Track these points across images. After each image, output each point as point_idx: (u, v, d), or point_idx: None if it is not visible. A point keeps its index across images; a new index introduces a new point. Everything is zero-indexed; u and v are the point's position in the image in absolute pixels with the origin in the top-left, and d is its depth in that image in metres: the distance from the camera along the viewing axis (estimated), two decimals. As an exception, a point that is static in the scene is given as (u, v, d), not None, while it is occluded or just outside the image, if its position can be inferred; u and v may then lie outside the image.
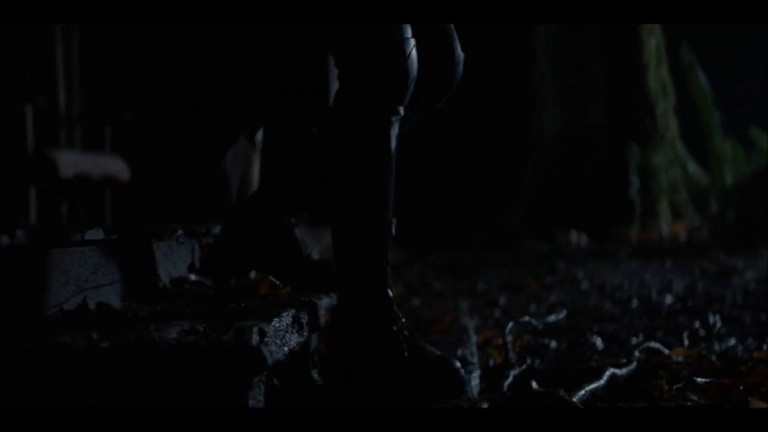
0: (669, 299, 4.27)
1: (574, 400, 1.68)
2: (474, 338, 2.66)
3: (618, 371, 2.01)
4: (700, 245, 6.63)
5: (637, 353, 2.23)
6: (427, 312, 3.47)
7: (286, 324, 1.56)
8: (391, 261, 1.84)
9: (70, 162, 5.19)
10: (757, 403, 1.61)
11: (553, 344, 3.19)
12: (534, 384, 2.08)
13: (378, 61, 1.76)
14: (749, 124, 8.37)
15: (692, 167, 7.38)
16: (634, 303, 4.15)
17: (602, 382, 1.89)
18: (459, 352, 2.35)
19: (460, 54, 2.03)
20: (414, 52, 1.78)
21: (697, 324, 3.25)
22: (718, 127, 6.82)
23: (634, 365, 2.13)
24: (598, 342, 3.11)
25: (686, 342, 2.89)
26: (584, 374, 2.04)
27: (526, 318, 2.76)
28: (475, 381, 2.01)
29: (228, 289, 2.10)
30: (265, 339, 1.36)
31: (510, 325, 2.46)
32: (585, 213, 7.24)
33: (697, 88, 6.72)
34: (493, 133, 8.30)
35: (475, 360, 2.36)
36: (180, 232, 2.20)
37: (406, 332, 1.80)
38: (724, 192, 6.78)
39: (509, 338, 2.34)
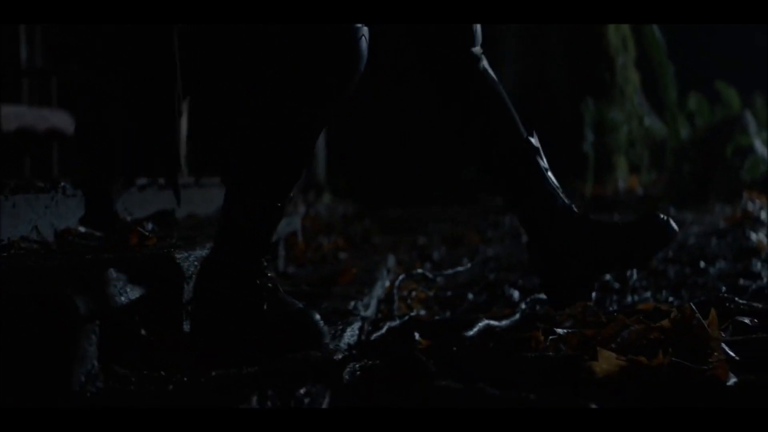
0: (604, 253, 4.27)
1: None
2: (379, 291, 2.67)
3: (494, 322, 2.02)
4: (654, 199, 6.64)
5: (523, 305, 2.24)
6: (352, 265, 3.47)
7: (128, 275, 1.55)
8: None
9: (13, 115, 5.14)
10: (605, 353, 1.61)
11: (470, 296, 3.21)
12: (416, 335, 2.09)
13: (323, 44, 1.72)
14: (716, 78, 8.36)
15: (649, 121, 7.36)
16: (569, 257, 4.15)
17: (471, 332, 1.89)
18: (352, 304, 2.35)
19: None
20: (363, 42, 1.74)
21: (607, 277, 3.26)
22: (672, 81, 6.80)
23: (516, 316, 2.13)
24: (515, 294, 3.13)
25: (594, 295, 2.89)
26: (465, 325, 2.05)
27: (419, 270, 2.76)
28: (353, 332, 2.01)
29: (108, 241, 2.09)
30: (87, 290, 1.35)
31: (401, 277, 2.46)
32: (542, 167, 7.20)
33: (652, 42, 6.69)
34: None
35: (368, 312, 2.37)
36: (64, 184, 2.18)
37: (270, 285, 1.80)
38: (679, 146, 6.78)
39: (396, 290, 2.34)
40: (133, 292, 1.55)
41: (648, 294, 3.10)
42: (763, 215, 5.61)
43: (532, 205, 2.08)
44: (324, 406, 1.39)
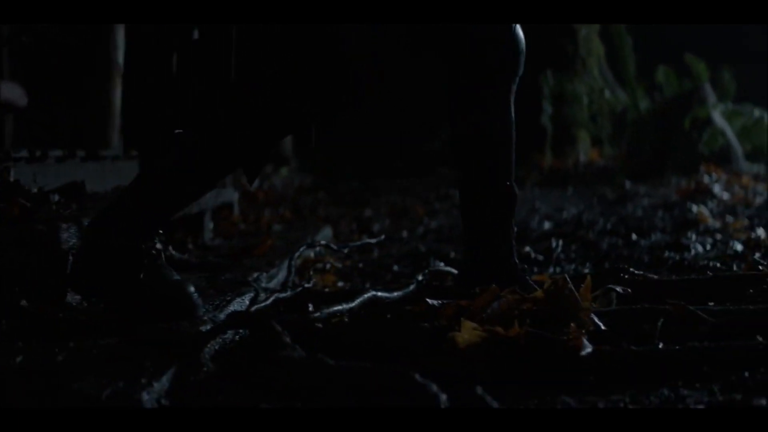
0: (547, 225, 4.29)
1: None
2: (291, 262, 2.67)
3: (382, 293, 2.02)
4: (612, 172, 6.65)
5: (420, 276, 2.24)
6: (282, 237, 3.47)
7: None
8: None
9: (-39, 87, 5.11)
10: (467, 324, 1.61)
11: (396, 268, 3.22)
12: (310, 306, 2.10)
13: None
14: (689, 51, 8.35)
15: (611, 93, 7.35)
16: (512, 229, 4.16)
17: (352, 304, 1.89)
18: (255, 275, 2.35)
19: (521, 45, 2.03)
20: None
21: (527, 249, 3.27)
22: (631, 54, 6.79)
23: (411, 288, 2.13)
24: (441, 266, 3.14)
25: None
26: (357, 296, 2.05)
27: (323, 242, 2.76)
28: (241, 303, 2.02)
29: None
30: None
31: (301, 249, 2.46)
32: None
33: (611, 14, 6.66)
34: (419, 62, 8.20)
35: (272, 284, 2.38)
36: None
37: (152, 254, 1.80)
38: (639, 118, 6.78)
39: (294, 263, 2.34)
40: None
41: (572, 266, 3.12)
42: (716, 188, 5.63)
43: (495, 250, 2.06)
44: (168, 377, 1.39)
